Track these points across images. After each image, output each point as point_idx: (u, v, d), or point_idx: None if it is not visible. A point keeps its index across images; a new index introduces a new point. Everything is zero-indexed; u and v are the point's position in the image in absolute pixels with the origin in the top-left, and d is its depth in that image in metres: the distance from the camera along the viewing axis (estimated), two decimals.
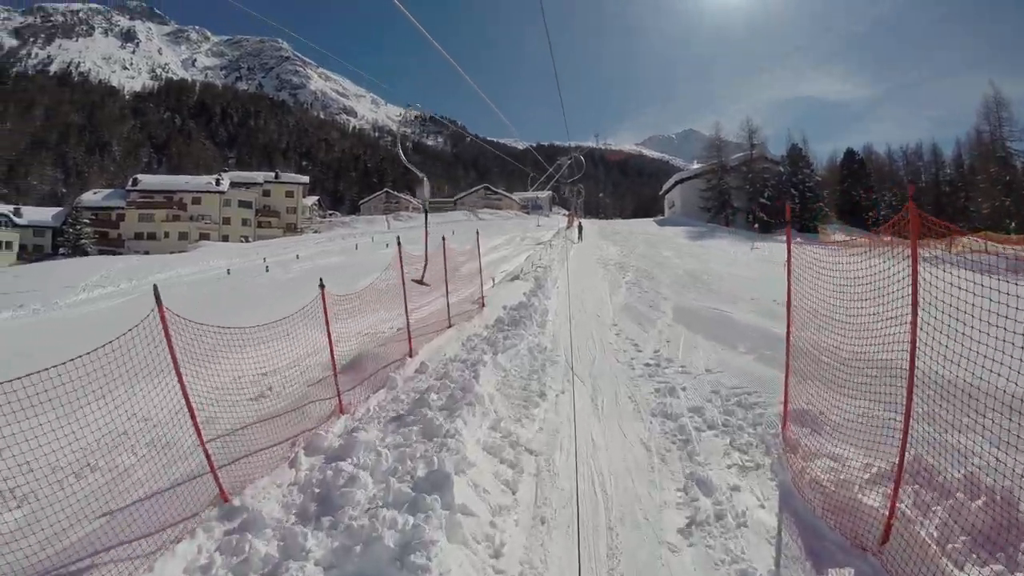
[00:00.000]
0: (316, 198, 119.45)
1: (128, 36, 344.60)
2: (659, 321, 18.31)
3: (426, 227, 28.02)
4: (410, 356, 13.79)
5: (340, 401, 10.41)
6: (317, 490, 7.46)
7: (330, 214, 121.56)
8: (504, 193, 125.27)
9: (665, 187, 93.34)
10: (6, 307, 41.78)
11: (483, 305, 20.23)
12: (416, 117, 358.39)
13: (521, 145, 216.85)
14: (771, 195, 71.28)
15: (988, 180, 63.57)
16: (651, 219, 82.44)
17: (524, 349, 14.27)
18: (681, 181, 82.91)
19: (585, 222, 62.83)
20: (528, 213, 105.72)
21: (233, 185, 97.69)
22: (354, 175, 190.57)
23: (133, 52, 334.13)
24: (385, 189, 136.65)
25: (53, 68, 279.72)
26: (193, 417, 6.89)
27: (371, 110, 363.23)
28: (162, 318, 6.52)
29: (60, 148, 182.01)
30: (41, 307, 41.78)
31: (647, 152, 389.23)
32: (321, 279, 10.61)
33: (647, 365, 13.52)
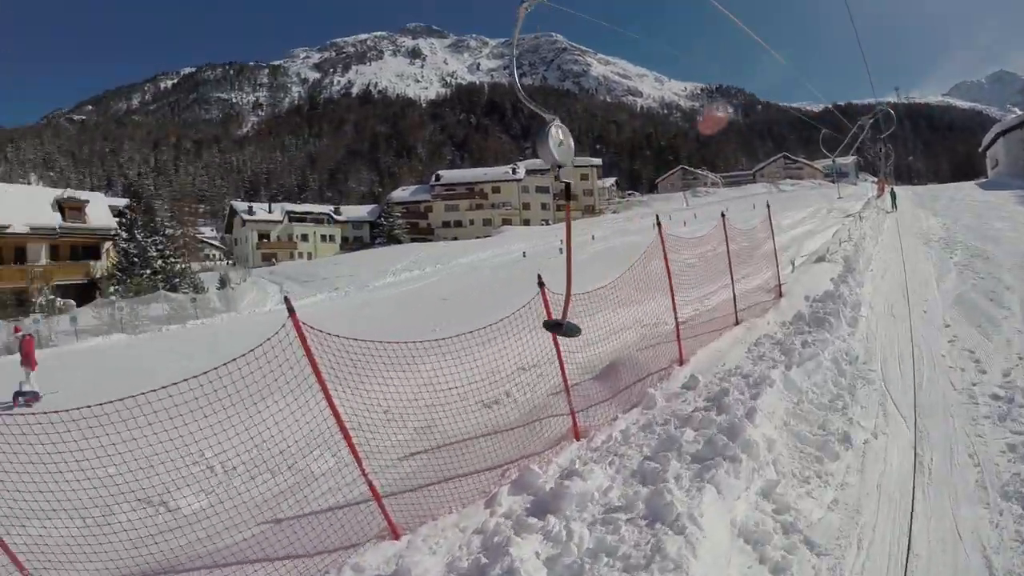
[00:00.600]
0: (614, 179, 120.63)
1: (414, 53, 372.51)
2: (1005, 324, 11.92)
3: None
4: (679, 364, 10.49)
5: (575, 423, 8.27)
6: (484, 559, 5.37)
7: (628, 194, 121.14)
8: (805, 161, 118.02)
9: (984, 142, 75.54)
10: (324, 290, 45.84)
11: (780, 295, 15.55)
12: (702, 90, 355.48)
13: (817, 107, 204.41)
14: None
15: None
16: (971, 182, 66.98)
17: (827, 359, 9.84)
18: (1003, 133, 64.61)
19: (897, 189, 53.46)
20: (833, 182, 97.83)
21: (529, 172, 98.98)
22: (648, 154, 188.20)
23: (422, 67, 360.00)
24: (681, 166, 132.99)
25: (354, 91, 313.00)
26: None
27: (655, 88, 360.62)
28: (297, 328, 5.69)
29: (372, 155, 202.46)
30: (354, 289, 44.84)
31: (955, 102, 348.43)
32: (540, 276, 8.17)
33: (995, 398, 8.31)
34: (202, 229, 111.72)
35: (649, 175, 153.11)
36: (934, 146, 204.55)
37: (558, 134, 5.96)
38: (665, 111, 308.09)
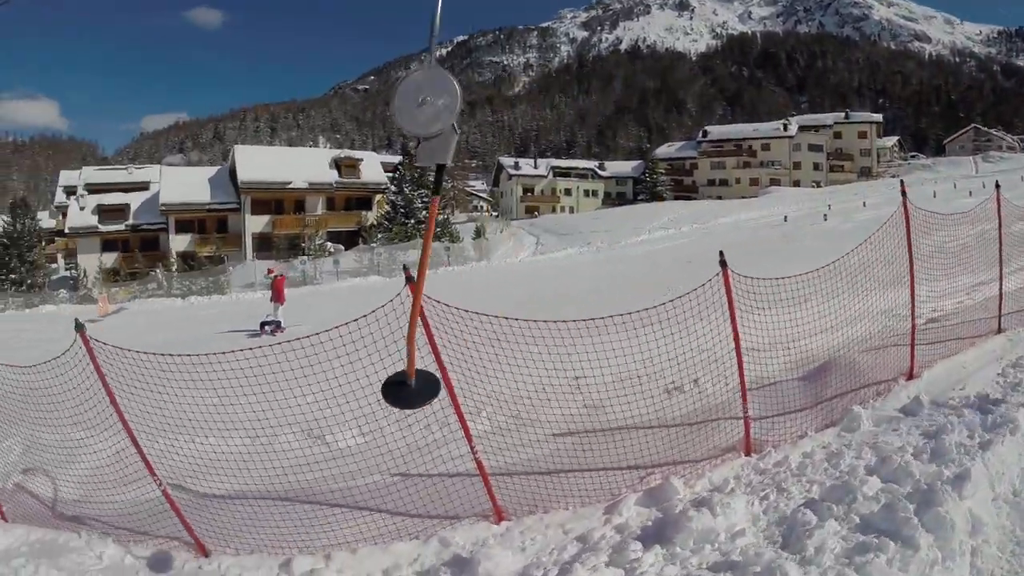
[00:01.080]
0: (896, 138, 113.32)
1: (682, 6, 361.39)
2: None
3: None
4: (907, 377, 8.38)
5: (747, 433, 6.88)
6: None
7: (912, 156, 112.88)
8: None
9: None
10: (577, 244, 47.61)
11: None
12: (1000, 33, 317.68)
13: None
14: None
15: None
16: None
17: None
18: None
19: None
20: None
21: (802, 129, 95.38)
22: (936, 110, 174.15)
23: (691, 19, 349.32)
24: (973, 125, 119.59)
25: (622, 47, 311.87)
26: None
27: (946, 32, 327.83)
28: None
29: (640, 111, 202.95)
30: (606, 245, 46.04)
31: None
32: (721, 252, 6.55)
33: None
34: (473, 183, 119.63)
35: (936, 135, 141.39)
36: None
37: (424, 87, 3.31)
38: (957, 59, 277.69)
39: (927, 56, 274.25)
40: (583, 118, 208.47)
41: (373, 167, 61.13)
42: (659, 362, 6.81)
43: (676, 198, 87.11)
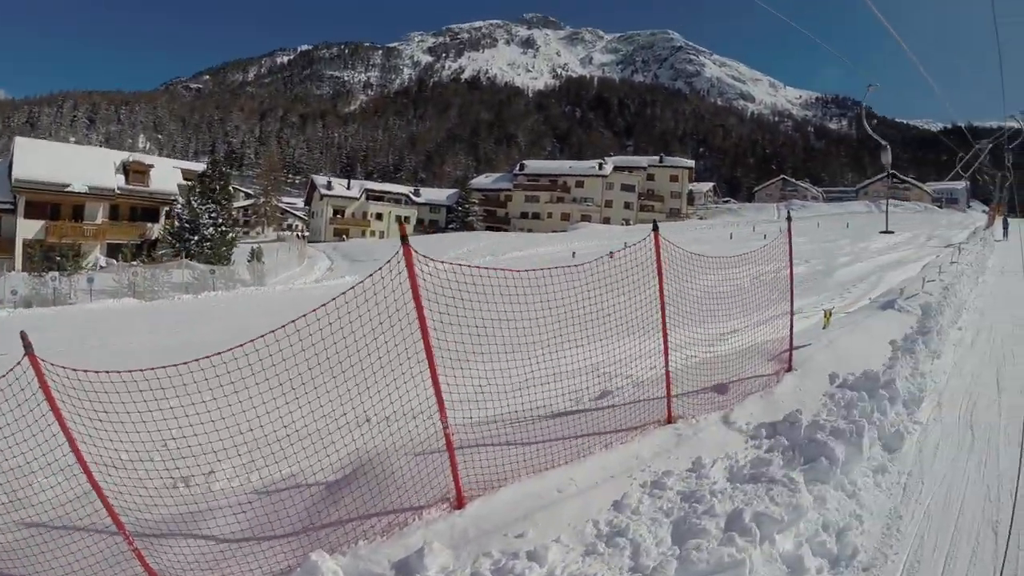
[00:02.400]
0: (711, 184, 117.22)
1: (528, 43, 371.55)
2: None
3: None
4: (458, 507, 5.39)
5: None
6: None
7: (725, 200, 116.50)
8: (914, 182, 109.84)
9: None
10: (369, 270, 43.43)
11: (789, 368, 9.09)
12: (816, 99, 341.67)
13: (936, 126, 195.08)
14: None
15: None
16: None
17: (803, 550, 4.78)
18: None
19: (1012, 221, 49.33)
20: (940, 206, 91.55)
21: (617, 169, 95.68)
22: (751, 161, 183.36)
23: (534, 56, 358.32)
24: (781, 176, 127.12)
25: (464, 76, 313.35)
26: None
27: (769, 94, 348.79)
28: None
29: (472, 141, 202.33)
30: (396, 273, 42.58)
31: None
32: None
33: None
34: (293, 200, 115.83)
35: (749, 183, 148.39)
36: None
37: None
38: (776, 119, 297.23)
39: (749, 114, 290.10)
40: (414, 143, 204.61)
41: (165, 175, 54.14)
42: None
43: (488, 228, 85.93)
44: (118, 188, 49.63)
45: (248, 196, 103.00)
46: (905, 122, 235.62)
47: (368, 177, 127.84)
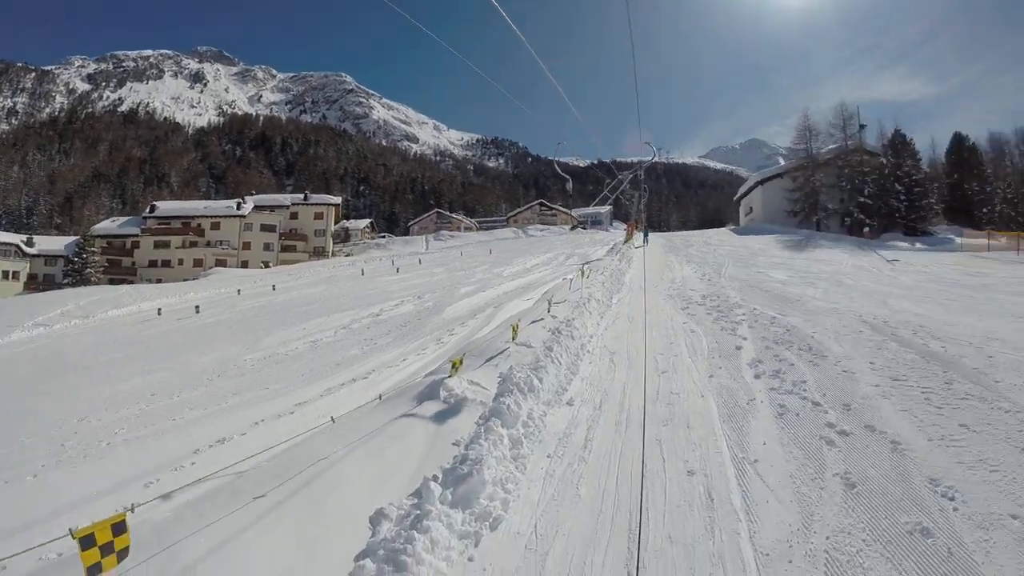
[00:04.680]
0: (369, 220, 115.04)
1: (197, 77, 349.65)
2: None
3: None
4: None
5: None
6: None
7: (381, 235, 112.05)
8: (560, 208, 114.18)
9: (742, 191, 75.93)
10: None
11: None
12: (477, 140, 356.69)
13: (583, 163, 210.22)
14: (872, 192, 56.24)
15: None
16: (724, 228, 68.70)
17: None
18: (762, 182, 65.58)
19: (652, 235, 50.55)
20: (585, 228, 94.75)
21: (257, 208, 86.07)
22: (410, 197, 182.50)
23: (201, 92, 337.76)
24: (436, 210, 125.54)
25: (122, 108, 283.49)
26: None
27: (433, 136, 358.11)
28: None
29: (120, 180, 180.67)
30: None
31: (710, 163, 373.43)
32: None
33: None
34: None
35: (408, 218, 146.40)
36: (687, 200, 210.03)
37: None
38: (438, 158, 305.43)
39: (412, 154, 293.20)
40: (54, 181, 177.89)
41: None
42: None
43: (112, 281, 72.80)
44: None
45: None
46: (556, 159, 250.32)
47: None
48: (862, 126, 60.10)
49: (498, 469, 5.91)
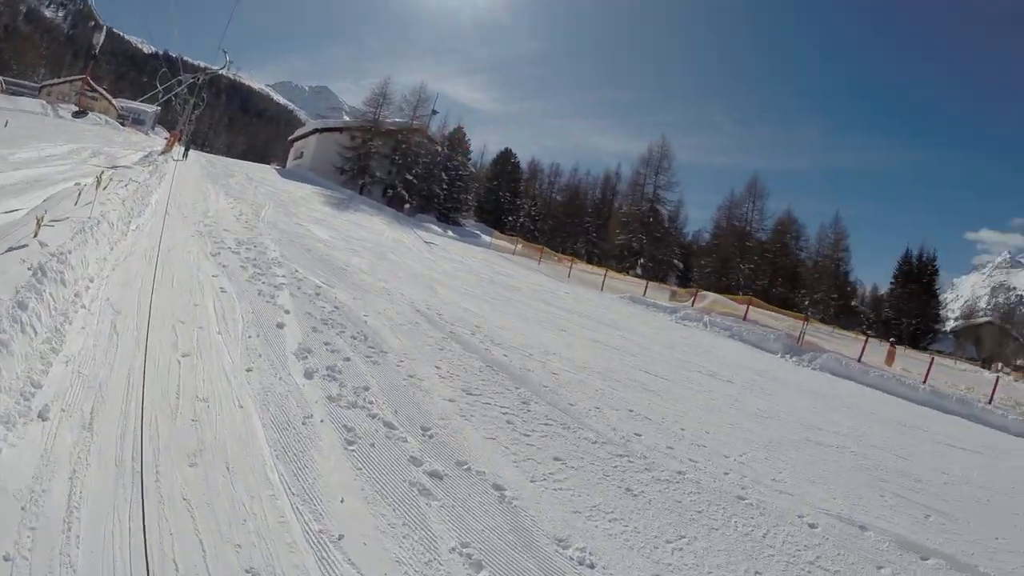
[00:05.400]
0: None
1: None
2: None
3: None
4: None
5: None
6: None
7: None
8: (104, 94, 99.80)
9: (299, 132, 74.63)
10: None
11: None
12: None
13: (148, 49, 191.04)
14: (420, 173, 59.81)
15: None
16: (270, 166, 66.52)
17: None
18: (322, 131, 65.68)
19: (193, 153, 48.95)
20: (124, 124, 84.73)
21: None
22: None
23: None
24: None
25: None
26: None
27: None
28: None
29: None
30: None
31: (275, 96, 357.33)
32: None
33: None
34: None
35: None
36: (240, 125, 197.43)
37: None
38: None
39: None
40: None
41: None
42: None
43: None
44: None
45: None
46: (122, 35, 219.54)
47: None
48: (435, 112, 63.19)
49: None
